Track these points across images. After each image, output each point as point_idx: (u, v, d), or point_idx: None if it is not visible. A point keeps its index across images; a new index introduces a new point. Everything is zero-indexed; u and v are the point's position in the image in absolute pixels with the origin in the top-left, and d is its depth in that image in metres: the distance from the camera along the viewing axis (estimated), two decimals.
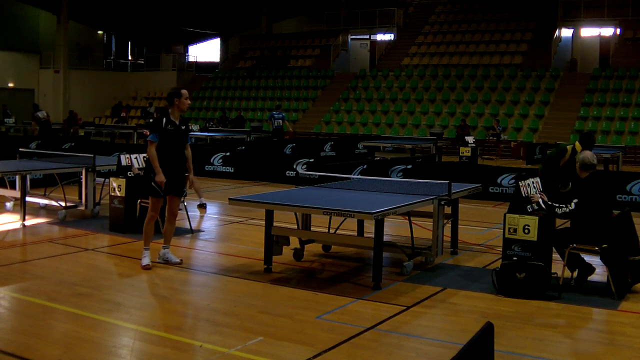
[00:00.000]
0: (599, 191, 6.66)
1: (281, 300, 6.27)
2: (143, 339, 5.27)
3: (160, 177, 7.17)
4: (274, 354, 4.93)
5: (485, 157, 22.92)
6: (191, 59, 42.67)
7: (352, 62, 35.39)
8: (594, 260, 6.80)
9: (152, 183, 7.28)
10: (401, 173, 13.85)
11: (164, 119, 7.26)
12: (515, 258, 6.46)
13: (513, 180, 12.47)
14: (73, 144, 17.75)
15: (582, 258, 6.81)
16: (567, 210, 6.55)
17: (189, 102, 7.52)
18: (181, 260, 7.52)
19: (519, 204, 6.94)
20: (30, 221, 9.77)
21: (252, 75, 35.34)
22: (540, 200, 6.72)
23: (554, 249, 6.77)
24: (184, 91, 7.41)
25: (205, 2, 36.73)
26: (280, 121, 23.46)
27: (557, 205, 6.61)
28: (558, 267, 6.71)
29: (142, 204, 9.17)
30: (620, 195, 12.06)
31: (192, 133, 22.86)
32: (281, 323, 5.62)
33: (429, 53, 31.84)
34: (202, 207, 11.29)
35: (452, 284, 6.90)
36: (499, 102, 27.81)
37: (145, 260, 7.30)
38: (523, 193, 7.00)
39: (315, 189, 8.39)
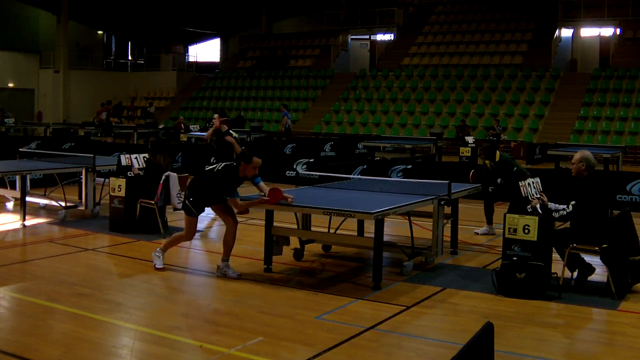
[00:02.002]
0: (599, 191, 6.65)
1: (281, 300, 6.27)
2: (143, 339, 5.27)
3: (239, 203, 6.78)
4: (274, 354, 4.93)
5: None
6: (191, 59, 42.70)
7: (352, 62, 35.37)
8: (594, 260, 6.80)
9: (187, 201, 6.93)
10: (401, 173, 13.85)
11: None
12: (515, 258, 6.46)
13: None
14: (73, 144, 17.75)
15: (582, 258, 6.81)
16: (565, 213, 6.56)
17: (256, 171, 6.84)
18: (240, 274, 7.02)
19: (519, 204, 6.95)
20: (30, 221, 9.77)
21: (252, 75, 35.33)
22: (538, 205, 6.72)
23: (554, 249, 6.77)
24: (256, 160, 6.70)
25: (205, 2, 36.72)
26: (290, 120, 23.59)
27: (555, 209, 6.62)
28: (558, 267, 6.71)
29: (143, 204, 9.17)
30: (620, 195, 12.06)
31: (192, 133, 22.93)
32: (281, 323, 5.62)
33: (429, 53, 31.83)
34: None
35: (452, 284, 6.90)
36: (499, 102, 27.81)
37: (159, 263, 7.23)
38: (523, 193, 7.01)
39: (315, 189, 8.39)
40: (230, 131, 11.03)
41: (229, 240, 7.06)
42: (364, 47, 36.69)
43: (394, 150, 22.36)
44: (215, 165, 7.06)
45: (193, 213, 6.97)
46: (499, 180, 9.63)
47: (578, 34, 31.17)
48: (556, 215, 6.61)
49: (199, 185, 6.96)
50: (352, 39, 35.96)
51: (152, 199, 8.96)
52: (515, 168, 9.68)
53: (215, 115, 11.16)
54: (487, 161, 9.81)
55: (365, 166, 14.28)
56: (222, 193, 6.83)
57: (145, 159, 9.81)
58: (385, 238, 7.16)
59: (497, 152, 9.74)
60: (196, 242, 8.92)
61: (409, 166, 14.07)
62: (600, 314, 6.14)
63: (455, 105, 28.42)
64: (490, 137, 24.95)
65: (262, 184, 7.06)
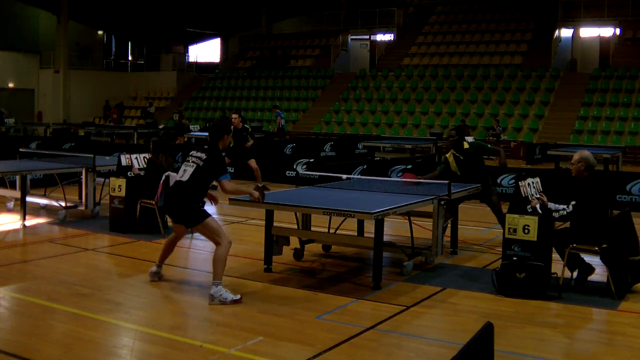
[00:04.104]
0: (599, 191, 6.65)
1: (281, 300, 6.27)
2: (143, 339, 5.27)
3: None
4: (274, 354, 4.93)
5: (485, 157, 22.97)
6: (191, 59, 42.69)
7: (352, 62, 35.38)
8: (594, 260, 6.80)
9: (196, 211, 6.29)
10: (401, 173, 13.85)
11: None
12: (515, 258, 6.46)
13: (513, 180, 12.47)
14: (73, 144, 17.75)
15: (582, 258, 6.81)
16: (565, 213, 6.56)
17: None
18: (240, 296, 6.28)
19: (519, 204, 6.95)
20: (30, 221, 9.78)
21: (252, 75, 35.34)
22: (538, 205, 6.72)
23: (554, 249, 6.77)
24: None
25: (205, 2, 36.72)
26: (284, 120, 23.60)
27: (555, 209, 6.62)
28: (558, 267, 6.71)
29: (143, 204, 9.17)
30: (620, 195, 12.06)
31: (192, 133, 23.03)
32: (281, 323, 5.62)
33: (429, 53, 31.83)
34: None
35: (452, 284, 6.91)
36: (499, 102, 27.81)
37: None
38: (523, 193, 7.01)
39: (315, 189, 8.39)
40: (245, 125, 13.42)
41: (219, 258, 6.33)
42: (364, 47, 36.69)
43: (394, 150, 22.36)
44: (183, 169, 6.37)
45: (207, 214, 6.32)
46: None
47: (578, 34, 31.17)
48: (556, 215, 6.61)
49: (193, 188, 6.27)
50: (352, 39, 35.96)
51: (152, 199, 8.96)
52: (489, 145, 9.39)
53: (235, 115, 13.54)
54: (451, 154, 8.92)
55: (365, 166, 14.28)
56: (213, 178, 6.34)
57: (145, 159, 9.82)
58: (385, 238, 7.16)
59: (463, 141, 8.99)
60: (196, 242, 8.92)
61: (409, 166, 14.07)
62: (600, 314, 6.14)
63: (455, 105, 28.42)
64: (491, 137, 24.98)
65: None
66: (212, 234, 6.30)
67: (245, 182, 14.65)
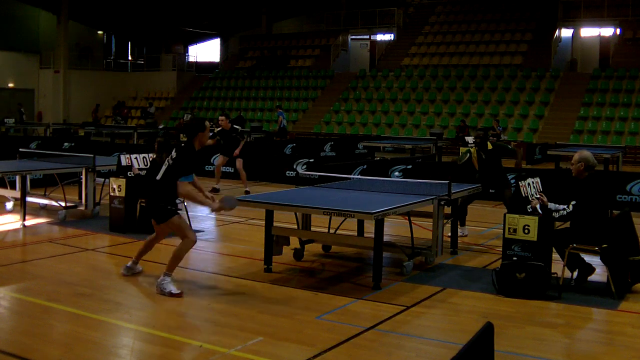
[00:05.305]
0: (599, 191, 6.65)
1: (281, 300, 6.27)
2: (143, 339, 5.27)
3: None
4: (274, 354, 4.93)
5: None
6: (191, 59, 42.67)
7: (352, 62, 35.39)
8: (594, 260, 6.80)
9: (164, 209, 6.38)
10: (401, 173, 13.85)
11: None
12: (515, 258, 6.46)
13: (513, 180, 12.46)
14: (73, 144, 17.75)
15: (582, 258, 6.81)
16: (565, 213, 6.56)
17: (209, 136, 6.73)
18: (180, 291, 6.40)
19: (519, 204, 6.95)
20: (30, 221, 9.77)
21: (252, 75, 35.33)
22: (538, 205, 6.72)
23: (554, 249, 6.77)
24: (207, 122, 6.66)
25: (205, 2, 36.72)
26: (285, 120, 23.69)
27: (555, 209, 6.62)
28: (558, 267, 6.71)
29: (143, 204, 9.17)
30: (620, 195, 12.06)
31: None
32: (281, 323, 5.62)
33: (429, 53, 31.83)
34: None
35: (452, 284, 6.91)
36: (499, 102, 27.81)
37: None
38: (523, 193, 7.01)
39: (315, 189, 8.39)
40: (235, 126, 13.43)
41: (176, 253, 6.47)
42: (364, 47, 36.69)
43: (394, 150, 22.37)
44: (164, 165, 6.49)
45: (174, 211, 6.42)
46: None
47: (578, 34, 31.17)
48: (556, 215, 6.61)
49: (164, 186, 6.34)
50: (352, 39, 35.96)
51: None
52: (510, 146, 9.97)
53: (222, 117, 13.37)
54: (474, 150, 9.67)
55: (365, 166, 14.28)
56: (179, 177, 6.30)
57: (145, 159, 9.82)
58: (385, 238, 7.16)
59: (487, 142, 9.66)
60: (196, 242, 8.90)
61: (409, 166, 14.07)
62: (600, 314, 6.14)
63: (455, 105, 28.43)
64: (491, 138, 24.93)
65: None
66: (178, 231, 6.49)
67: (239, 182, 14.67)
